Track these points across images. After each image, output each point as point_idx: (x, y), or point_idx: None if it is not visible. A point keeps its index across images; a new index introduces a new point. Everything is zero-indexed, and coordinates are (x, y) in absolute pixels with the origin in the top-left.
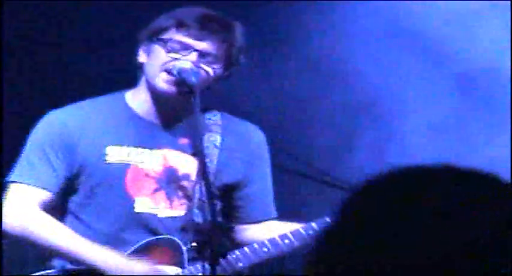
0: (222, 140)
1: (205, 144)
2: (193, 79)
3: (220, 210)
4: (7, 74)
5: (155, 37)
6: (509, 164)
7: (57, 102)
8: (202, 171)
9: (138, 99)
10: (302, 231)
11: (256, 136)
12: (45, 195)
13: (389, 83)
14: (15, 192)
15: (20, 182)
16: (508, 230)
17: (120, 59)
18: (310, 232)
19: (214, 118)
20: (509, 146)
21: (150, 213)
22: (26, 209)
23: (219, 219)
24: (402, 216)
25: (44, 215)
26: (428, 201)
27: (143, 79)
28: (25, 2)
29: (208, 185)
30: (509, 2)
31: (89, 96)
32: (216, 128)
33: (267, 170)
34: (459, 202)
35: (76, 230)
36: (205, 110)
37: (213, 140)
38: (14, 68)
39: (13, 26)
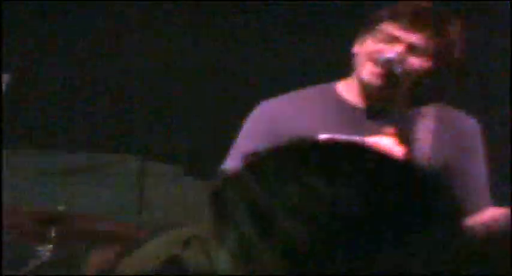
0: (436, 127)
1: (418, 131)
2: (397, 70)
3: None
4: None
5: (368, 29)
6: None
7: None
8: (409, 160)
9: (349, 89)
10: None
11: (471, 126)
12: None
13: None
14: None
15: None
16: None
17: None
18: None
19: (428, 107)
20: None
21: None
22: None
23: None
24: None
25: None
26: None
27: (355, 69)
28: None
29: None
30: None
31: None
32: (429, 115)
33: (482, 160)
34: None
35: None
36: (420, 102)
37: (426, 126)
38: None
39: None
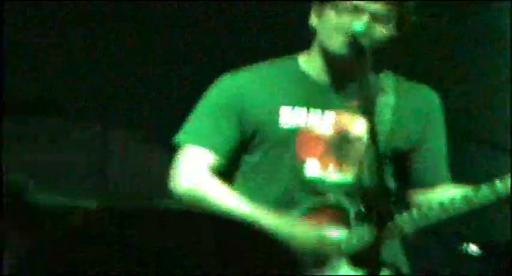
0: (396, 101)
1: (379, 105)
2: (365, 41)
3: (392, 173)
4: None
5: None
6: None
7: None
8: (371, 133)
9: (310, 62)
10: (472, 195)
11: (431, 98)
12: (214, 158)
13: None
14: (185, 153)
15: (191, 144)
16: None
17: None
18: (481, 197)
19: (388, 79)
20: None
21: (319, 176)
22: (196, 172)
23: (389, 182)
24: None
25: (212, 178)
26: None
27: (316, 42)
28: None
29: (377, 147)
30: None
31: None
32: (390, 90)
33: (442, 133)
34: None
35: (247, 191)
36: (379, 71)
37: (386, 101)
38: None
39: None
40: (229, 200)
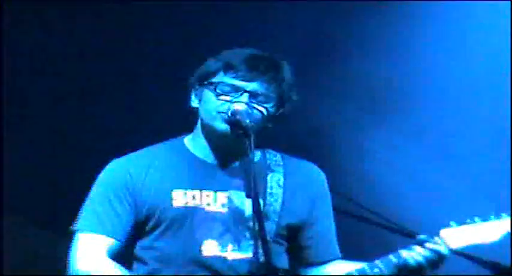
0: (285, 179)
1: (268, 184)
2: (247, 121)
3: (287, 250)
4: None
5: (204, 81)
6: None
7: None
8: (258, 213)
9: (197, 143)
10: (393, 259)
11: (318, 175)
12: (112, 242)
13: None
14: (82, 241)
15: (87, 231)
16: None
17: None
18: (400, 260)
19: (275, 158)
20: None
21: (218, 256)
22: (93, 258)
23: (281, 260)
24: None
25: (109, 262)
26: None
27: (199, 123)
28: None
29: (261, 226)
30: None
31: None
32: (278, 168)
33: (330, 209)
34: None
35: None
36: (265, 150)
37: (276, 179)
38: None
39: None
40: None
